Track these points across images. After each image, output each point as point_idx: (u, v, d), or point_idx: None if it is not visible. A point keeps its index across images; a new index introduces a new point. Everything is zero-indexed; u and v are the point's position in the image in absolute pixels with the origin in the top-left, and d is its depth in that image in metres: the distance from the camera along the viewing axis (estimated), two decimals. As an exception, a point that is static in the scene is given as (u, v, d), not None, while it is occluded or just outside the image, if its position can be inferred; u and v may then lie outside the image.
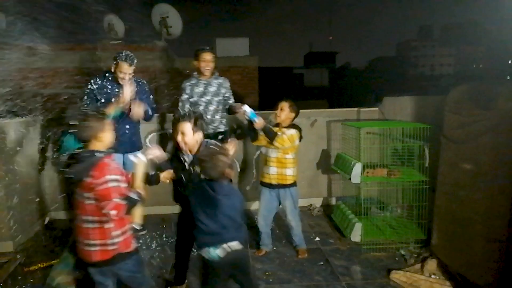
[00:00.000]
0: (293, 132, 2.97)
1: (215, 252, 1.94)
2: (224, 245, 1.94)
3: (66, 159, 1.87)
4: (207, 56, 3.34)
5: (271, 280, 2.78)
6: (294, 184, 3.06)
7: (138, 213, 2.05)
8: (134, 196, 1.92)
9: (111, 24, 8.13)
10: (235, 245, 1.97)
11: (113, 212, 1.78)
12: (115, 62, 3.19)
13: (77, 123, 1.86)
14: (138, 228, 2.19)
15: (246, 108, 2.94)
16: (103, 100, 3.24)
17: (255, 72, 8.87)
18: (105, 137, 1.91)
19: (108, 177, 1.80)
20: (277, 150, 2.98)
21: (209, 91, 3.40)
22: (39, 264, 2.97)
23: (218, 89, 3.43)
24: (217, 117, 3.48)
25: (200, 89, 3.39)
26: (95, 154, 1.84)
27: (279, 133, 2.94)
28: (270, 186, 3.04)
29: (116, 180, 1.83)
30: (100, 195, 1.79)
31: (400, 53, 57.44)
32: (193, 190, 2.08)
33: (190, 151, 2.31)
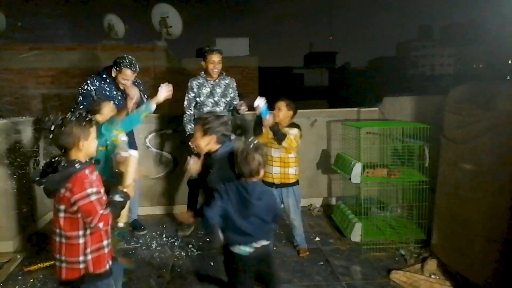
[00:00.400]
0: (296, 132, 2.99)
1: (246, 249, 2.02)
2: (254, 244, 2.02)
3: (43, 166, 1.72)
4: (215, 58, 3.34)
5: (271, 280, 2.77)
6: (296, 183, 3.08)
7: (123, 212, 1.99)
8: (117, 198, 1.82)
9: (111, 24, 8.13)
10: (263, 242, 2.05)
11: (101, 225, 1.69)
12: (117, 68, 3.12)
13: (57, 128, 1.67)
14: (121, 226, 2.20)
15: (260, 102, 2.90)
16: None
17: (255, 72, 8.88)
18: (88, 146, 1.76)
19: (90, 190, 1.67)
20: (280, 150, 2.99)
21: (216, 92, 3.41)
22: (39, 264, 2.97)
23: (225, 89, 3.45)
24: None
25: (207, 89, 3.40)
26: (75, 165, 1.68)
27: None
28: (273, 185, 3.04)
29: (98, 192, 1.71)
30: (84, 211, 1.66)
31: (400, 53, 57.51)
32: (227, 191, 2.05)
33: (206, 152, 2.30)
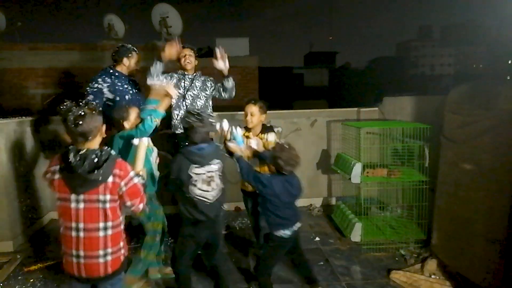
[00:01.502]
0: (273, 138, 2.81)
1: (287, 233, 2.35)
2: (294, 227, 2.38)
3: (77, 160, 1.61)
4: (186, 51, 3.38)
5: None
6: None
7: None
8: (141, 181, 1.86)
9: (111, 24, 8.13)
10: (298, 225, 2.43)
11: (141, 206, 1.77)
12: (129, 55, 3.19)
13: (83, 117, 1.61)
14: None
15: (234, 129, 2.63)
16: (118, 98, 3.16)
17: (255, 72, 8.87)
18: (103, 132, 1.75)
19: (132, 173, 1.74)
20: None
21: (195, 85, 3.41)
22: (39, 264, 2.97)
23: (203, 83, 3.45)
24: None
25: (186, 82, 3.40)
26: (111, 152, 1.68)
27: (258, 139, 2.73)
28: (251, 195, 2.90)
29: (135, 175, 1.77)
30: (131, 193, 1.72)
31: (400, 53, 57.48)
32: (271, 181, 2.31)
33: None
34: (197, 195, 2.23)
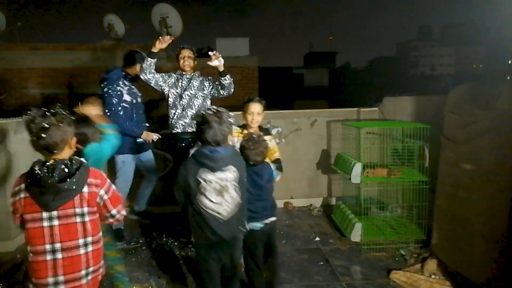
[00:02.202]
0: (275, 143, 2.73)
1: (258, 225, 2.28)
2: (266, 220, 2.30)
3: (45, 171, 1.45)
4: (185, 53, 3.38)
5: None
6: None
7: None
8: None
9: (111, 24, 8.13)
10: (272, 218, 2.35)
11: (124, 212, 1.69)
12: (142, 62, 3.26)
13: (53, 127, 1.46)
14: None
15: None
16: (134, 101, 3.27)
17: (255, 72, 8.88)
18: (73, 144, 1.57)
19: (108, 180, 1.63)
20: None
21: (193, 85, 3.41)
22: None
23: (201, 83, 3.45)
24: None
25: (184, 82, 3.40)
26: (81, 161, 1.54)
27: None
28: None
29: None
30: (114, 200, 1.62)
31: (400, 53, 57.56)
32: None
33: None
34: (206, 208, 1.92)
